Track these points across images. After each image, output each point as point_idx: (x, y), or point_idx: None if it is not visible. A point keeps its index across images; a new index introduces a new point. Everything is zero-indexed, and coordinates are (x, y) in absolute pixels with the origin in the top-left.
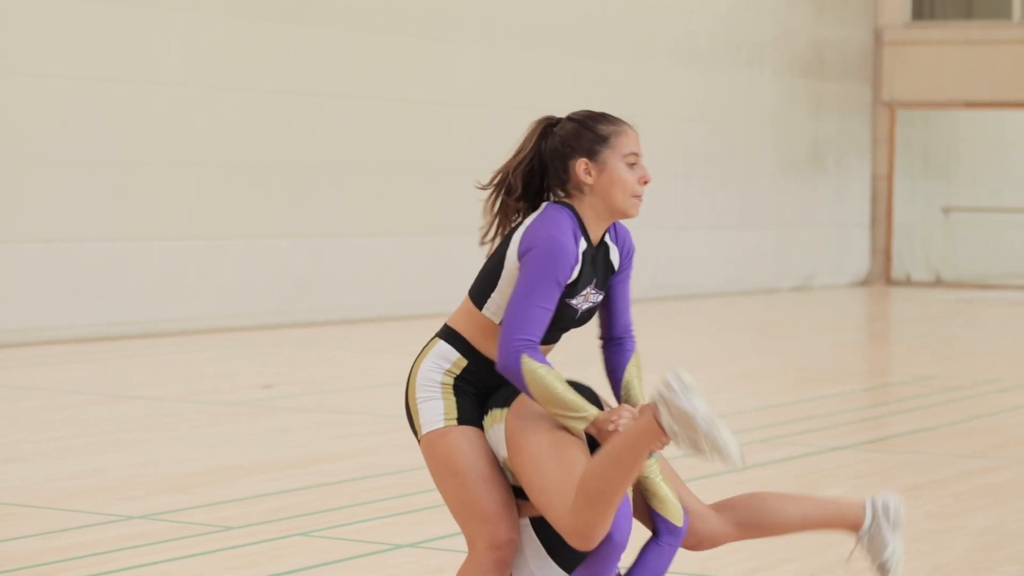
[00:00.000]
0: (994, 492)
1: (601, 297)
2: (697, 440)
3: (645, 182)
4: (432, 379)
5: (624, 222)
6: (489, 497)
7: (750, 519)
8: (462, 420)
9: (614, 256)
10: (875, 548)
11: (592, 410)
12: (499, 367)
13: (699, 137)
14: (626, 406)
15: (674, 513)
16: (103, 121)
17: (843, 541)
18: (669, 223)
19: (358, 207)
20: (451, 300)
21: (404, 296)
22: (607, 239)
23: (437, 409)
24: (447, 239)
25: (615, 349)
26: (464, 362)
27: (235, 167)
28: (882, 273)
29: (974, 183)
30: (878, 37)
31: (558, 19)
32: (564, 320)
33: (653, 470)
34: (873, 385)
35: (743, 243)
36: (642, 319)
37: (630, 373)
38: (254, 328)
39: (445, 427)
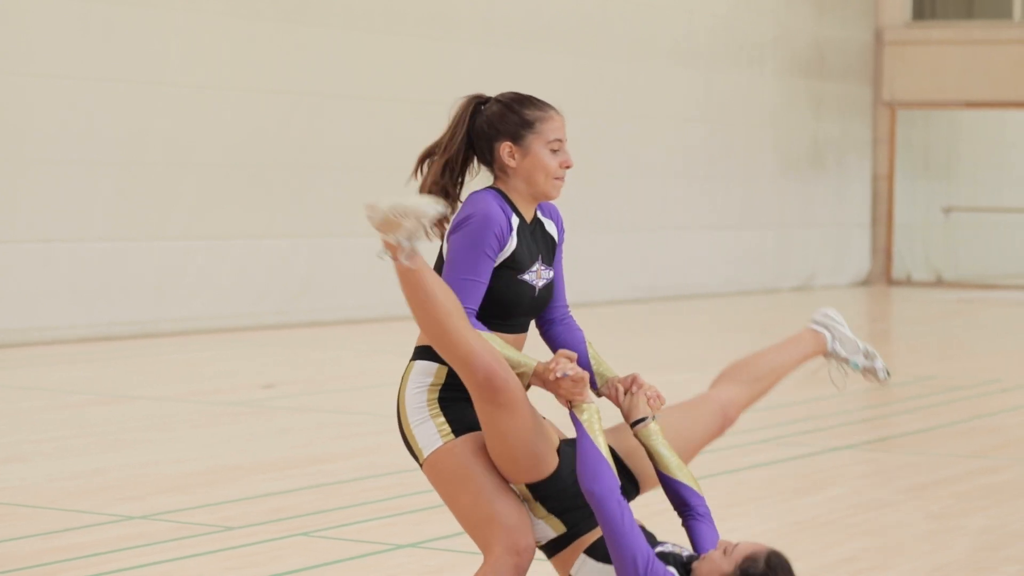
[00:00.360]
0: (994, 492)
1: (551, 275)
2: (401, 227)
3: (567, 167)
4: (418, 401)
5: (627, 222)
6: (507, 502)
7: (747, 374)
8: (459, 430)
9: (551, 229)
10: (849, 348)
11: (531, 362)
12: None
13: (699, 137)
14: (564, 351)
15: (688, 477)
16: (103, 121)
17: (843, 541)
18: (669, 223)
19: (358, 207)
20: None
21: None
22: (539, 215)
23: (431, 430)
24: None
25: (562, 329)
26: (444, 369)
27: (235, 167)
28: (883, 273)
29: (974, 183)
30: (878, 37)
31: (558, 19)
32: (523, 301)
33: (657, 435)
34: (874, 385)
35: (743, 243)
36: (643, 319)
37: (594, 357)
38: (254, 328)
39: (445, 444)
